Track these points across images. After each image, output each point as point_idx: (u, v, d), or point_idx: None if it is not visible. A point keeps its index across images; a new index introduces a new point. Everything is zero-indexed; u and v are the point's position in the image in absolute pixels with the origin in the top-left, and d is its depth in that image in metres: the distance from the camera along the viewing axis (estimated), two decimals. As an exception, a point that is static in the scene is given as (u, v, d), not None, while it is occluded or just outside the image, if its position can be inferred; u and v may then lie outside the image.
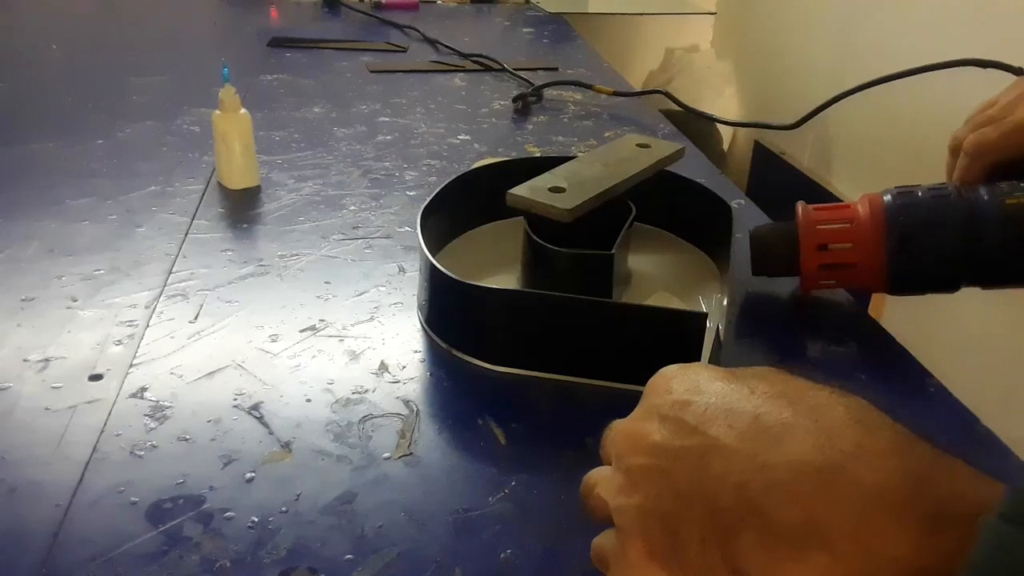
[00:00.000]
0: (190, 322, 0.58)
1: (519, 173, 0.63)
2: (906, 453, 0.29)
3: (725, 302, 0.56)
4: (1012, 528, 0.25)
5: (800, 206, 0.61)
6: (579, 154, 0.69)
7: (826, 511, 0.28)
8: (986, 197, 0.54)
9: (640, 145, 0.70)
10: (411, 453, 0.47)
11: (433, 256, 0.57)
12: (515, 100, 1.09)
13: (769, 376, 0.34)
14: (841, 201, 0.63)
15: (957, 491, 0.28)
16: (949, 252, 0.55)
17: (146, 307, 0.59)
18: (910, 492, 0.28)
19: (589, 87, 1.13)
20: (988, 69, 0.76)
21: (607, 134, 0.99)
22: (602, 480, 0.37)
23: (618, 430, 0.38)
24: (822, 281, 0.60)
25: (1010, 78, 0.69)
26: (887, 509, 0.28)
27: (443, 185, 0.66)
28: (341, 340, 0.56)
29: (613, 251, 0.57)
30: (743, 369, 0.36)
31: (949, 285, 0.57)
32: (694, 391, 0.35)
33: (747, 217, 0.76)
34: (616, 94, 1.11)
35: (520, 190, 0.59)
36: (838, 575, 0.28)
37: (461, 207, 0.68)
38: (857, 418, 0.31)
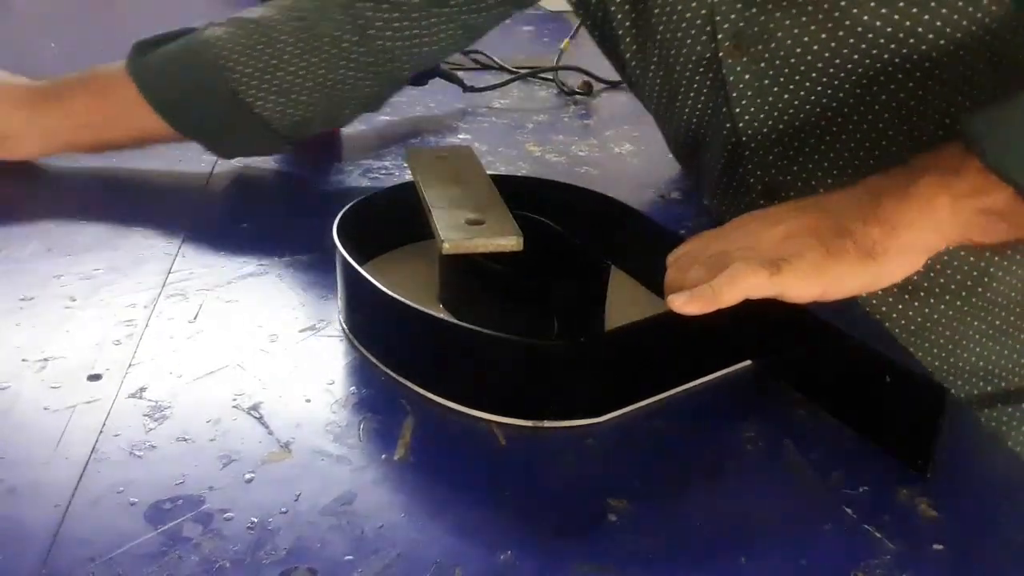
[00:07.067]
0: (189, 322, 0.58)
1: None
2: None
3: None
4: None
5: None
6: (408, 179, 0.65)
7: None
8: None
9: (439, 157, 0.67)
10: (411, 454, 0.47)
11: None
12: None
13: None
14: None
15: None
16: None
17: (145, 307, 0.59)
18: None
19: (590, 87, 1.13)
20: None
21: (607, 132, 0.99)
22: (745, 259, 0.47)
23: (745, 228, 0.51)
24: None
25: None
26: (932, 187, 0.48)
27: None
28: (341, 340, 0.56)
29: (608, 263, 0.56)
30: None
31: None
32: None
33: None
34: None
35: (450, 235, 0.55)
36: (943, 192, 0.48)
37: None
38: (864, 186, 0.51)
